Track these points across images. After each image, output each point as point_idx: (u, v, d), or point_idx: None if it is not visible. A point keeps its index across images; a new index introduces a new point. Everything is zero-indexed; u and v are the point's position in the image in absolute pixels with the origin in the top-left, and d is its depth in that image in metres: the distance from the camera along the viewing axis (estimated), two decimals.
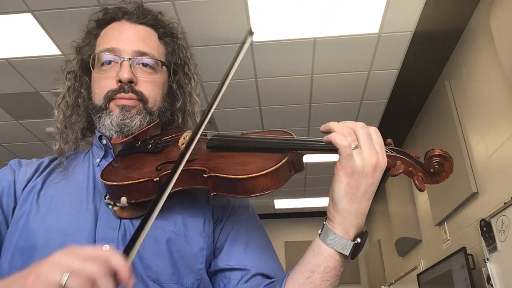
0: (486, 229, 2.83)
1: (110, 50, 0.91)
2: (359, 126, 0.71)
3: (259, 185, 0.72)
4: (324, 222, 0.73)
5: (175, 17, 2.91)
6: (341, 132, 0.70)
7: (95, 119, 0.92)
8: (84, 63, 0.97)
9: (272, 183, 0.72)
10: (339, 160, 0.69)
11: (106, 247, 0.79)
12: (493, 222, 2.75)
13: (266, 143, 0.78)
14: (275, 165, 0.72)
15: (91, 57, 0.93)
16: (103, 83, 0.91)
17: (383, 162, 0.70)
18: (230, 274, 0.84)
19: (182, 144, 0.87)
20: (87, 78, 0.97)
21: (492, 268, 2.76)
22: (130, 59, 0.90)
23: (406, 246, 4.83)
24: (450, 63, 3.42)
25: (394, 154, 0.73)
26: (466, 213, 3.29)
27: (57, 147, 0.94)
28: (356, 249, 0.71)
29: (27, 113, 3.99)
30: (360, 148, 0.69)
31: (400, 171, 0.72)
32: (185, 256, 0.82)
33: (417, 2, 2.80)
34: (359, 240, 0.71)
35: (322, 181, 5.66)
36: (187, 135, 0.89)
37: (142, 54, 0.91)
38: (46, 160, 0.96)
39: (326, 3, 2.78)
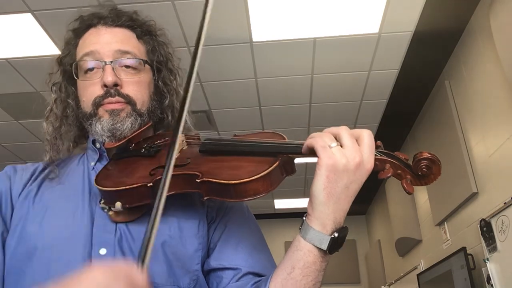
0: (486, 229, 2.83)
1: (90, 54, 0.90)
2: (341, 128, 0.73)
3: (251, 189, 0.72)
4: (304, 218, 0.74)
5: (174, 16, 2.93)
6: (317, 136, 0.73)
7: (87, 126, 0.93)
8: (67, 74, 0.96)
9: (264, 187, 0.73)
10: (317, 156, 0.71)
11: (103, 250, 0.80)
12: (493, 222, 2.75)
13: (258, 147, 0.78)
14: (267, 170, 0.72)
15: (73, 65, 0.93)
16: (89, 90, 0.90)
17: (368, 163, 0.71)
18: (222, 274, 0.85)
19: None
20: (73, 88, 0.97)
21: (492, 268, 2.76)
22: (112, 62, 0.89)
23: (406, 246, 4.83)
24: (450, 63, 3.42)
25: (384, 157, 0.73)
26: (466, 213, 3.29)
27: (47, 158, 0.94)
28: (334, 244, 0.71)
29: (27, 113, 3.99)
30: (342, 146, 0.71)
31: (389, 174, 0.72)
32: (181, 258, 0.83)
33: (417, 2, 2.80)
34: (336, 234, 0.71)
35: None
36: (180, 139, 0.88)
37: (124, 53, 0.91)
38: (41, 164, 0.96)
39: (326, 3, 2.79)
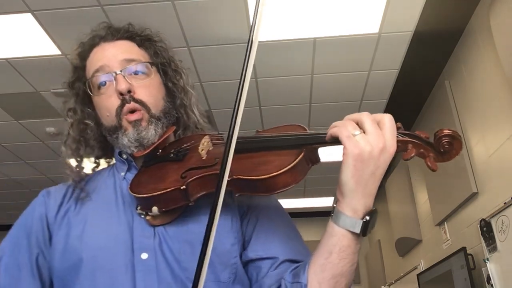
0: (486, 229, 2.83)
1: (99, 70, 0.94)
2: (364, 114, 0.75)
3: (281, 182, 0.76)
4: (334, 205, 0.77)
5: (174, 16, 2.92)
6: (340, 125, 0.75)
7: (112, 140, 0.96)
8: (80, 97, 1.01)
9: (292, 178, 0.76)
10: (343, 145, 0.73)
11: (145, 255, 0.84)
12: (493, 222, 2.75)
13: (282, 140, 0.81)
14: (293, 162, 0.75)
15: (87, 84, 0.97)
16: (108, 103, 0.94)
17: (392, 146, 0.73)
18: (260, 263, 0.89)
19: (202, 150, 0.90)
20: (89, 109, 1.01)
21: (492, 268, 2.76)
22: (121, 71, 0.93)
23: (406, 246, 4.83)
24: (450, 63, 3.42)
25: (405, 138, 0.75)
26: (466, 213, 3.29)
27: (70, 181, 0.97)
28: (366, 227, 0.74)
29: (27, 113, 3.99)
30: (365, 132, 0.73)
31: (412, 154, 0.74)
32: (219, 253, 0.86)
33: (417, 2, 2.80)
34: (367, 218, 0.74)
35: (322, 181, 5.66)
36: (205, 141, 0.92)
37: (130, 61, 0.95)
38: (73, 184, 1.00)
39: (326, 3, 2.79)
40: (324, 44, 3.20)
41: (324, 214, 6.83)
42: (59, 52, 3.17)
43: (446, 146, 0.72)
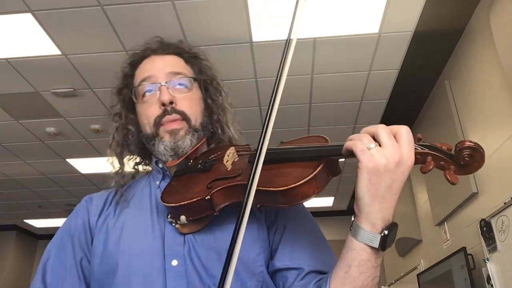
0: (486, 229, 2.83)
1: (146, 79, 1.01)
2: (379, 127, 0.74)
3: (300, 193, 0.76)
4: (353, 219, 0.77)
5: (174, 16, 2.92)
6: (355, 138, 0.74)
7: (150, 147, 1.01)
8: (126, 103, 1.07)
9: (312, 190, 0.76)
10: (358, 159, 0.72)
11: (175, 262, 0.88)
12: (493, 222, 2.75)
13: (301, 152, 0.82)
14: (311, 174, 0.75)
15: (132, 91, 1.03)
16: (149, 111, 0.99)
17: (409, 159, 0.71)
18: (287, 273, 0.90)
19: (227, 161, 0.93)
20: (132, 115, 1.07)
21: (492, 268, 2.76)
22: (166, 82, 0.99)
23: (406, 246, 4.83)
24: (450, 63, 3.42)
25: (425, 150, 0.73)
26: (466, 213, 3.29)
27: (113, 184, 1.03)
28: (385, 241, 0.74)
29: (27, 113, 3.99)
30: (381, 145, 0.72)
31: (431, 167, 0.72)
32: (245, 262, 0.88)
33: (417, 2, 2.80)
34: (386, 232, 0.73)
35: None
36: (230, 152, 0.96)
37: (176, 74, 1.01)
38: (113, 190, 1.05)
39: (326, 3, 2.79)
40: (324, 44, 3.20)
41: (324, 214, 6.83)
42: (59, 52, 3.17)
43: (466, 158, 0.70)
